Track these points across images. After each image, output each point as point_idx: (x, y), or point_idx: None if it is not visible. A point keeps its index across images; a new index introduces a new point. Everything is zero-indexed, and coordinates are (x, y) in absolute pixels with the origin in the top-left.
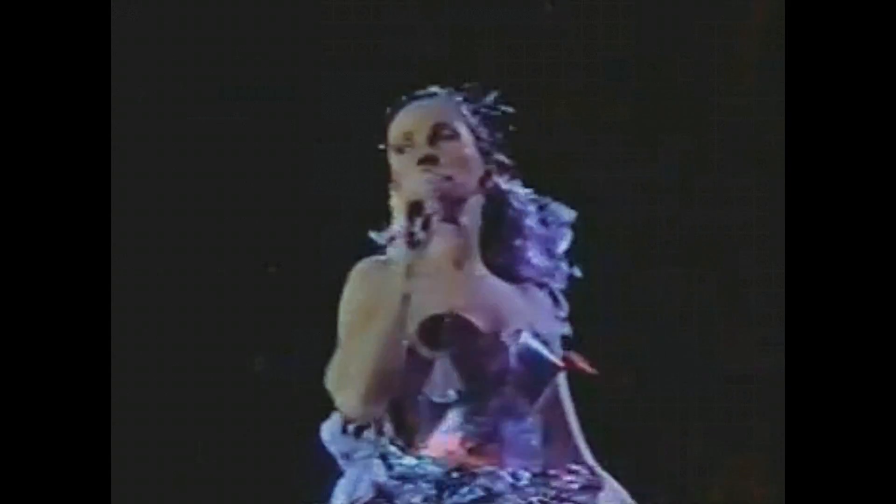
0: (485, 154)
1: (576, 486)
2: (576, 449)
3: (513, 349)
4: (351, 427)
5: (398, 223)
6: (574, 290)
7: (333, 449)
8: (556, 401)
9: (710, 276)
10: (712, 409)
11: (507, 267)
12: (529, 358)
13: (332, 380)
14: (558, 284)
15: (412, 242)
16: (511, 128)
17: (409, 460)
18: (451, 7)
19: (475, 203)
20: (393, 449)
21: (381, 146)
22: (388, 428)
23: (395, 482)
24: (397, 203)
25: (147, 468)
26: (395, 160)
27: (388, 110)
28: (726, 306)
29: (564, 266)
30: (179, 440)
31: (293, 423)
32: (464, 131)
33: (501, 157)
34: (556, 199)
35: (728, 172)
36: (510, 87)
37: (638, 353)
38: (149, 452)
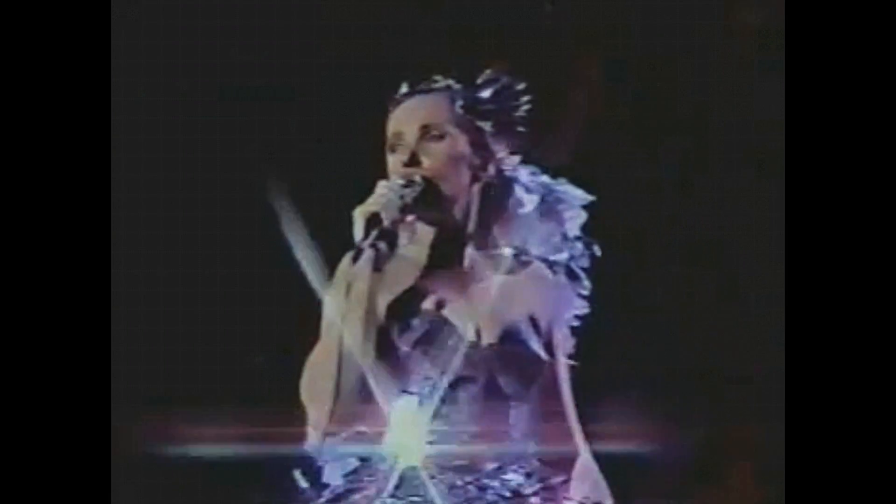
0: (480, 148)
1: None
2: (569, 430)
3: (494, 342)
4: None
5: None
6: None
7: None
8: (553, 389)
9: (710, 276)
10: (712, 409)
11: (510, 251)
12: (514, 350)
13: (302, 390)
14: (578, 263)
15: (363, 254)
16: (524, 108)
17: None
18: (451, 7)
19: (469, 197)
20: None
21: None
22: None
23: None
24: (357, 214)
25: (147, 467)
26: (389, 159)
27: (390, 105)
28: (726, 306)
29: (579, 246)
30: (179, 438)
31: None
32: (453, 130)
33: (499, 149)
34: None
35: (728, 172)
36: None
37: (638, 353)
38: (149, 450)
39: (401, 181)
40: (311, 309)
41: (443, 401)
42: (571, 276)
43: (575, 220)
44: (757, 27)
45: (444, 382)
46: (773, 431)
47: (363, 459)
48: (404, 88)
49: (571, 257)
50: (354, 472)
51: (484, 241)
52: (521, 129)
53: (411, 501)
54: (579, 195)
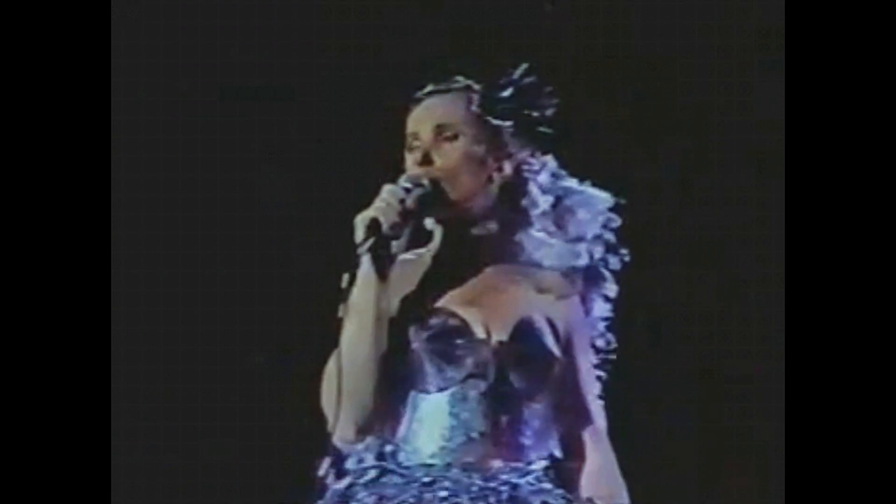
0: (497, 148)
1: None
2: (587, 429)
3: (505, 339)
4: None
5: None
6: None
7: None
8: (571, 387)
9: (710, 276)
10: (712, 409)
11: (523, 254)
12: (525, 348)
13: (326, 399)
14: (603, 265)
15: (363, 261)
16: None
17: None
18: (451, 7)
19: (483, 197)
20: (389, 448)
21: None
22: (384, 428)
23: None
24: (357, 221)
25: (147, 466)
26: (406, 157)
27: (411, 104)
28: (726, 306)
29: (600, 248)
30: (179, 438)
31: (293, 421)
32: (468, 130)
33: (519, 149)
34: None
35: (728, 172)
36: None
37: (638, 353)
38: (149, 451)
39: (407, 184)
40: (311, 309)
41: (454, 399)
42: (592, 277)
43: (594, 221)
44: (757, 27)
45: (455, 381)
46: (773, 431)
47: (378, 458)
48: (429, 87)
49: (591, 258)
50: (368, 470)
51: (497, 242)
52: (543, 129)
53: (424, 499)
54: (603, 197)
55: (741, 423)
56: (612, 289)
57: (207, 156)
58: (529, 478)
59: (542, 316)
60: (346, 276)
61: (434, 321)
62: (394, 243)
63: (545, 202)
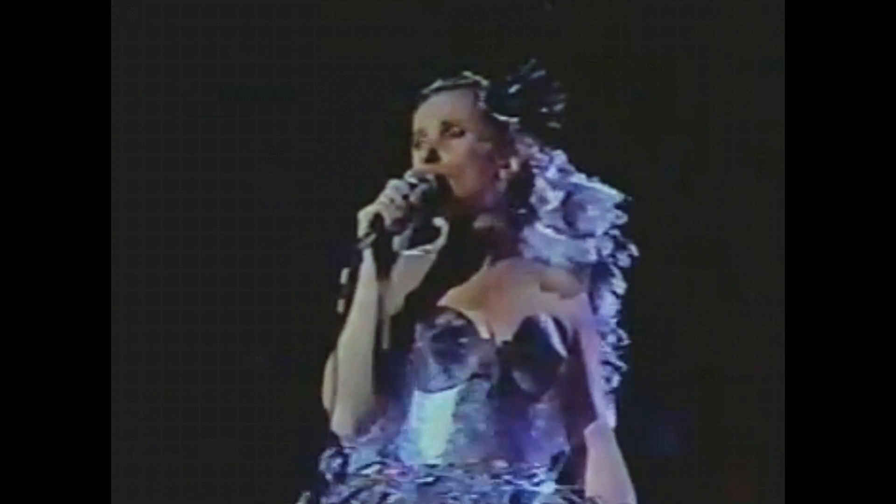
0: (504, 145)
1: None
2: (593, 428)
3: (509, 339)
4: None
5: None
6: None
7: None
8: (577, 387)
9: (710, 276)
10: (712, 409)
11: (530, 251)
12: (530, 348)
13: (325, 394)
14: (612, 261)
15: (364, 257)
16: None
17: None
18: (451, 7)
19: (491, 194)
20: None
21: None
22: (385, 424)
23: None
24: (360, 216)
25: (147, 466)
26: (413, 154)
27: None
28: (726, 306)
29: (609, 244)
30: (179, 438)
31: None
32: (474, 126)
33: (527, 146)
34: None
35: (728, 172)
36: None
37: (637, 353)
38: (149, 451)
39: (412, 179)
40: (311, 309)
41: (458, 399)
42: (602, 274)
43: (603, 218)
44: (757, 27)
45: (459, 381)
46: (773, 431)
47: (381, 457)
48: (437, 84)
49: (600, 255)
50: (371, 469)
51: (504, 238)
52: (552, 125)
53: (426, 499)
54: (612, 194)
55: (741, 423)
56: (620, 285)
57: (207, 156)
58: (534, 478)
59: (548, 315)
60: (345, 272)
61: (439, 320)
62: (395, 240)
63: (555, 198)
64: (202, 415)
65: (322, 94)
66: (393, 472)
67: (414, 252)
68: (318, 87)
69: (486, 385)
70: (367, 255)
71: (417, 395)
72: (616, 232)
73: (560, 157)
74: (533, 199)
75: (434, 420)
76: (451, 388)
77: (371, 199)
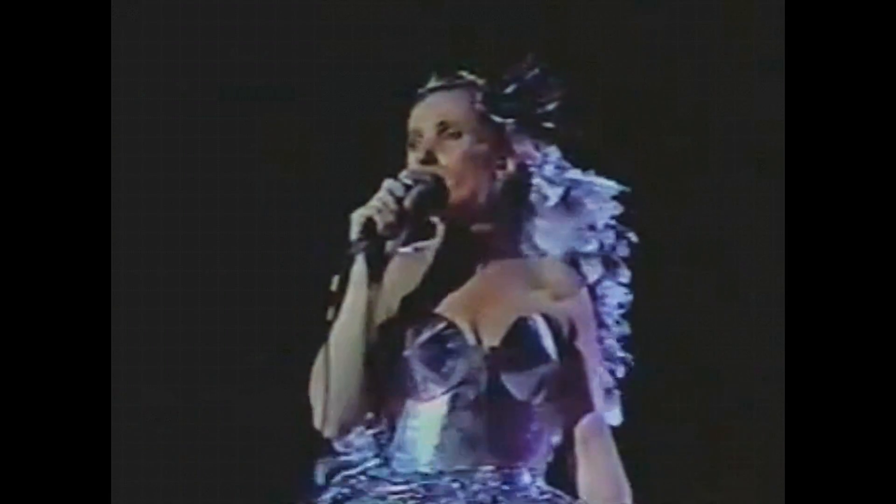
0: (500, 145)
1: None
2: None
3: (496, 345)
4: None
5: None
6: None
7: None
8: (572, 388)
9: (710, 276)
10: (712, 409)
11: (529, 247)
12: (518, 352)
13: (312, 394)
14: (614, 252)
15: (355, 261)
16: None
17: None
18: (452, 6)
19: (488, 195)
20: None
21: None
22: (378, 430)
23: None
24: (353, 218)
25: (147, 466)
26: (409, 155)
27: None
28: (726, 306)
29: (611, 235)
30: (179, 438)
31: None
32: (470, 127)
33: (523, 146)
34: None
35: (728, 172)
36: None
37: (637, 353)
38: (149, 452)
39: (407, 180)
40: (310, 308)
41: (447, 406)
42: (605, 263)
43: (604, 210)
44: (757, 27)
45: (448, 388)
46: (773, 431)
47: (372, 465)
48: (433, 82)
49: (602, 247)
50: (361, 476)
51: (503, 239)
52: (547, 124)
53: None
54: (610, 186)
55: (741, 423)
56: (625, 274)
57: (207, 156)
58: (525, 481)
59: (540, 315)
60: (336, 279)
61: (426, 328)
62: (388, 243)
63: (554, 194)
64: (202, 415)
65: (322, 95)
66: (384, 489)
67: (407, 250)
68: (318, 87)
69: (474, 391)
70: (359, 259)
71: (408, 403)
72: (614, 222)
73: (555, 153)
74: (532, 198)
75: (425, 427)
76: (440, 395)
77: (370, 199)
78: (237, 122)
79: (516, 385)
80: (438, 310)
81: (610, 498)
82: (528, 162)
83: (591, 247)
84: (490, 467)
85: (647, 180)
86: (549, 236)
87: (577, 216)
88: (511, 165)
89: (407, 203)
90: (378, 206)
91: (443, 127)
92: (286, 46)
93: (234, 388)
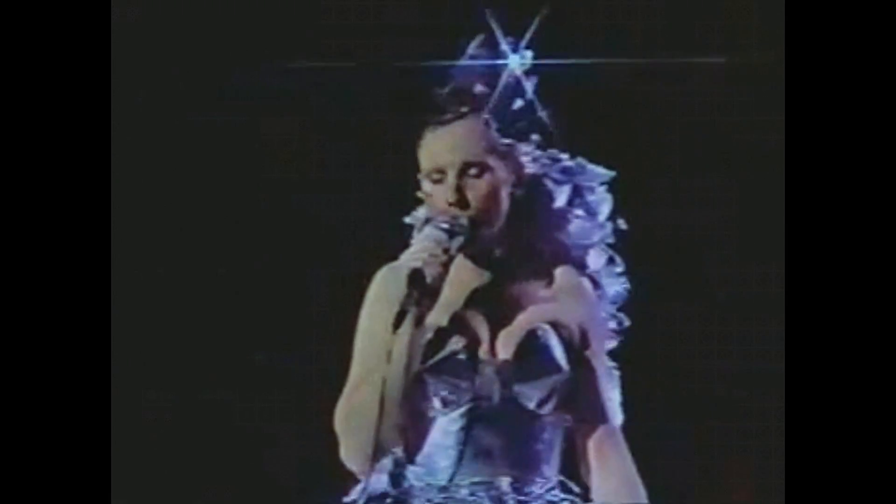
0: (514, 166)
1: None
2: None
3: (508, 358)
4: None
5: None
6: None
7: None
8: (584, 396)
9: (710, 275)
10: (712, 409)
11: (543, 253)
12: (530, 363)
13: (338, 420)
14: (609, 242)
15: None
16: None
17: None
18: (450, 7)
19: (508, 213)
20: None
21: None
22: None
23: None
24: (401, 266)
25: (147, 466)
26: (428, 187)
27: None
28: (726, 306)
29: (609, 226)
30: (179, 438)
31: (293, 421)
32: (492, 160)
33: (526, 154)
34: None
35: (728, 172)
36: None
37: (637, 353)
38: (148, 452)
39: (445, 225)
40: (310, 308)
41: (462, 420)
42: (606, 256)
43: (604, 203)
44: (757, 27)
45: (461, 402)
46: (773, 431)
47: (389, 480)
48: (433, 123)
49: (602, 239)
50: (377, 491)
51: (515, 249)
52: (544, 126)
53: None
54: (600, 172)
55: (741, 424)
56: (620, 264)
57: (207, 156)
58: (540, 491)
59: (550, 325)
60: (392, 318)
61: (440, 344)
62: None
63: (562, 192)
64: (202, 415)
65: (322, 94)
66: (400, 495)
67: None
68: (318, 88)
69: (487, 405)
70: (413, 313)
71: (424, 419)
72: (611, 213)
73: (556, 153)
74: (542, 201)
75: (439, 443)
76: (453, 410)
77: (372, 200)
78: (237, 122)
79: (528, 397)
80: (452, 325)
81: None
82: (539, 172)
83: (594, 239)
84: (506, 479)
85: (646, 180)
86: (557, 237)
87: (582, 212)
88: (523, 180)
89: (452, 251)
90: (426, 258)
91: (466, 166)
92: (286, 46)
93: (234, 389)
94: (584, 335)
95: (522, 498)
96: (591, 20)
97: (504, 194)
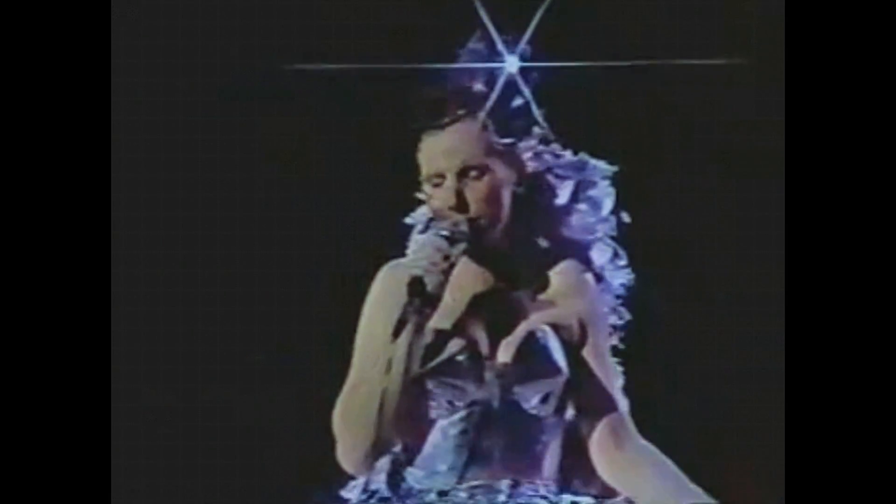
0: (515, 164)
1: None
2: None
3: (507, 361)
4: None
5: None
6: None
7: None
8: (586, 395)
9: (710, 276)
10: (712, 409)
11: (546, 250)
12: (533, 364)
13: (336, 419)
14: (612, 234)
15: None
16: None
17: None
18: (450, 7)
19: (509, 213)
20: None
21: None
22: (398, 452)
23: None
24: (401, 273)
25: (147, 466)
26: (428, 190)
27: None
28: (726, 306)
29: (613, 219)
30: (179, 438)
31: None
32: (491, 161)
33: (527, 152)
34: None
35: (728, 172)
36: None
37: (637, 353)
38: (148, 452)
39: (446, 232)
40: (309, 308)
41: (462, 423)
42: (609, 247)
43: (607, 198)
44: (757, 27)
45: (461, 405)
46: (773, 431)
47: (387, 482)
48: (426, 125)
49: (606, 232)
50: (376, 494)
51: (517, 250)
52: (542, 123)
53: None
54: (602, 167)
55: (741, 423)
56: (624, 256)
57: (207, 156)
58: (540, 493)
59: (549, 326)
60: (391, 325)
61: (440, 347)
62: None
63: (566, 187)
64: (202, 415)
65: (322, 95)
66: (398, 498)
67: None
68: (318, 87)
69: (487, 409)
70: (413, 321)
71: (424, 422)
72: (614, 207)
73: (559, 150)
74: (545, 201)
75: (439, 446)
76: (453, 413)
77: (371, 200)
78: (237, 122)
79: (528, 399)
80: (452, 329)
81: (668, 491)
82: (542, 168)
83: (598, 234)
84: (506, 481)
85: (646, 181)
86: (560, 232)
87: (585, 204)
88: (525, 178)
89: (453, 258)
90: (426, 266)
91: (466, 170)
92: (286, 46)
93: (234, 389)
94: (585, 333)
95: (521, 501)
96: (591, 20)
97: (505, 194)
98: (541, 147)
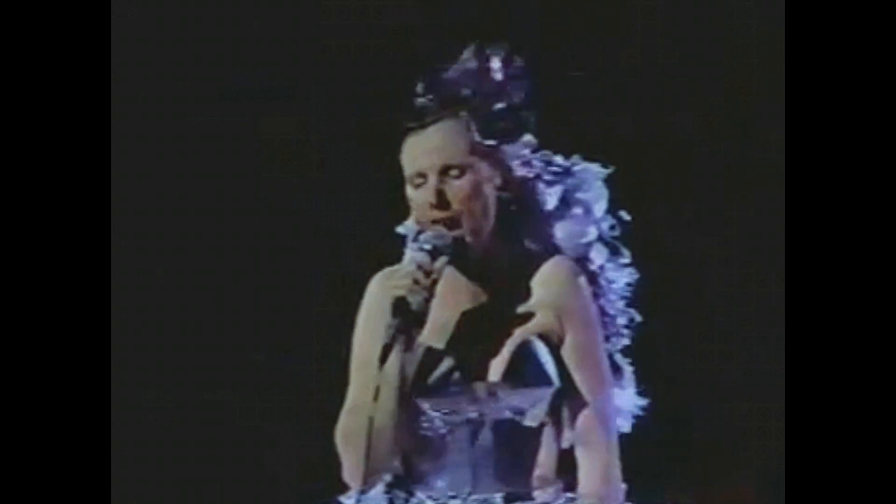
0: (499, 167)
1: None
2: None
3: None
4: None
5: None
6: None
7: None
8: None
9: (710, 276)
10: (712, 409)
11: (540, 252)
12: (525, 379)
13: (337, 439)
14: (613, 233)
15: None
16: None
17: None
18: (450, 7)
19: (495, 218)
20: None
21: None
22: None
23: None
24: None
25: (147, 466)
26: (410, 192)
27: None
28: (726, 306)
29: (609, 219)
30: (179, 438)
31: (294, 421)
32: (473, 162)
33: (514, 156)
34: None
35: (728, 172)
36: None
37: (637, 353)
38: (148, 452)
39: (428, 246)
40: (309, 308)
41: (457, 439)
42: (609, 249)
43: (600, 199)
44: (757, 27)
45: (456, 422)
46: (773, 431)
47: (390, 500)
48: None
49: (601, 233)
50: None
51: (504, 257)
52: (531, 129)
53: None
54: (595, 170)
55: (741, 424)
56: (627, 254)
57: (208, 156)
58: (539, 501)
59: (538, 337)
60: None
61: (431, 366)
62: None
63: (554, 194)
64: (201, 415)
65: (322, 95)
66: None
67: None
68: (318, 87)
69: (481, 425)
70: (399, 342)
71: (419, 440)
72: (608, 206)
73: (549, 156)
74: (532, 206)
75: (435, 462)
76: (448, 429)
77: (371, 200)
78: (237, 121)
79: (521, 411)
80: (443, 345)
81: (601, 497)
82: (528, 174)
83: (593, 236)
84: (500, 495)
85: (646, 181)
86: (550, 240)
87: (577, 209)
88: (511, 183)
89: (435, 274)
90: (408, 284)
91: (446, 169)
92: (286, 46)
93: (235, 388)
94: (575, 337)
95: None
96: (591, 20)
97: (488, 192)
98: (530, 154)
